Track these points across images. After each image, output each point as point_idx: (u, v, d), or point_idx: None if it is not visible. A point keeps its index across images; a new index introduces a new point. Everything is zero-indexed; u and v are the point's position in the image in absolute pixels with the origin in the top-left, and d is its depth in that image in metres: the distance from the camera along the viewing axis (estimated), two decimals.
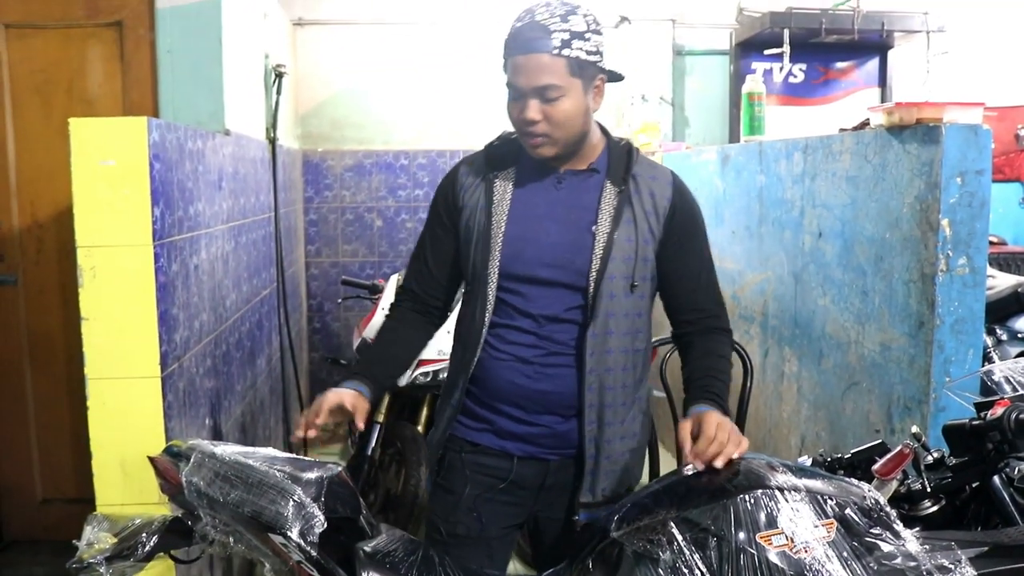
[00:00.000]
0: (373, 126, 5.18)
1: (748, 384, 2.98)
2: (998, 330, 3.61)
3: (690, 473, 1.46)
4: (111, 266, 2.08)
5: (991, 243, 5.31)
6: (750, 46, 5.08)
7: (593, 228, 1.77)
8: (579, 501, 1.83)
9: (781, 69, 5.17)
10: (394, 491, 3.29)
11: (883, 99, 5.28)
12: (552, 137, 1.73)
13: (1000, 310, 3.64)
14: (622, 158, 1.83)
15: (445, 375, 2.03)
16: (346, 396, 1.74)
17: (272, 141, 3.88)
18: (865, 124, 2.74)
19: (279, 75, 3.92)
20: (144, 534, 1.48)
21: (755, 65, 5.12)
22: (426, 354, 3.11)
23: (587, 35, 1.69)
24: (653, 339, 3.13)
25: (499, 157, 1.88)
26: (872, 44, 5.16)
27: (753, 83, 3.61)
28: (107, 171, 2.06)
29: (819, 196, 2.96)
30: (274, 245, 3.91)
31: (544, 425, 1.84)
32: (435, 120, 5.11)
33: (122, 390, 2.14)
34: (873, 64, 5.37)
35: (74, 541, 1.50)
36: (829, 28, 4.69)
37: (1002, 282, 3.78)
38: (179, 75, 2.96)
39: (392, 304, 2.03)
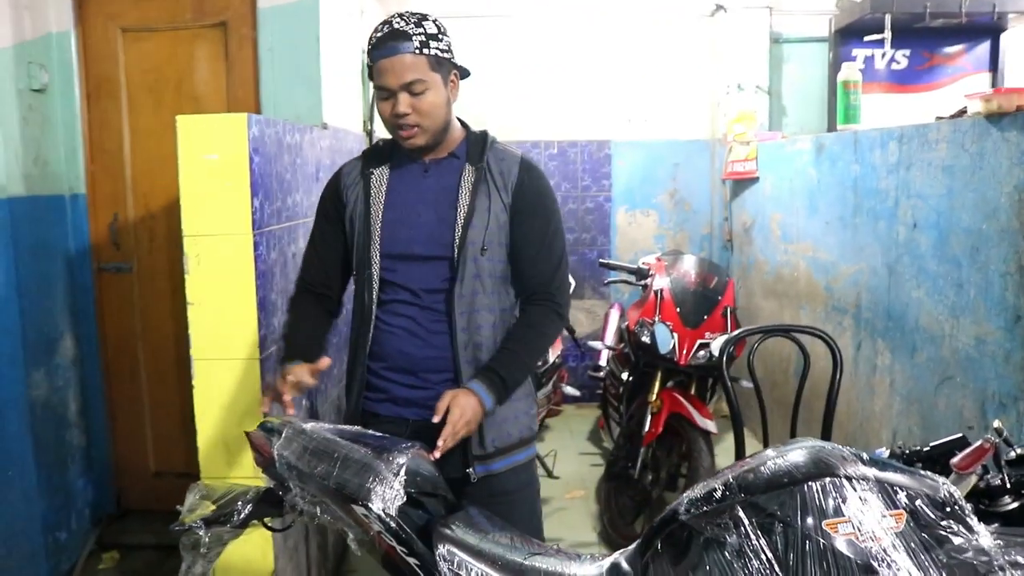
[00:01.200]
0: (466, 116, 5.23)
1: (838, 376, 2.92)
2: None
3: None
4: (214, 254, 2.22)
5: None
6: (850, 32, 4.94)
7: (456, 204, 2.01)
8: (472, 454, 2.00)
9: (883, 56, 5.01)
10: None
11: (994, 85, 5.06)
12: (422, 127, 1.95)
13: None
14: (479, 144, 2.07)
15: None
16: (300, 371, 1.91)
17: (369, 133, 4.01)
18: (963, 112, 2.67)
19: None
20: (240, 502, 1.59)
21: (855, 52, 4.99)
22: None
23: (439, 36, 1.95)
24: (742, 329, 3.13)
25: (374, 157, 2.10)
26: (982, 27, 4.95)
27: (849, 71, 3.54)
28: (210, 164, 2.20)
29: (914, 186, 2.89)
30: None
31: (432, 388, 2.00)
32: (530, 112, 5.18)
33: (224, 371, 2.28)
34: (983, 48, 5.15)
35: (177, 507, 1.62)
36: (934, 12, 4.53)
37: None
38: (279, 72, 3.10)
39: (292, 297, 2.18)
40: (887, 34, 4.49)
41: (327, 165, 3.12)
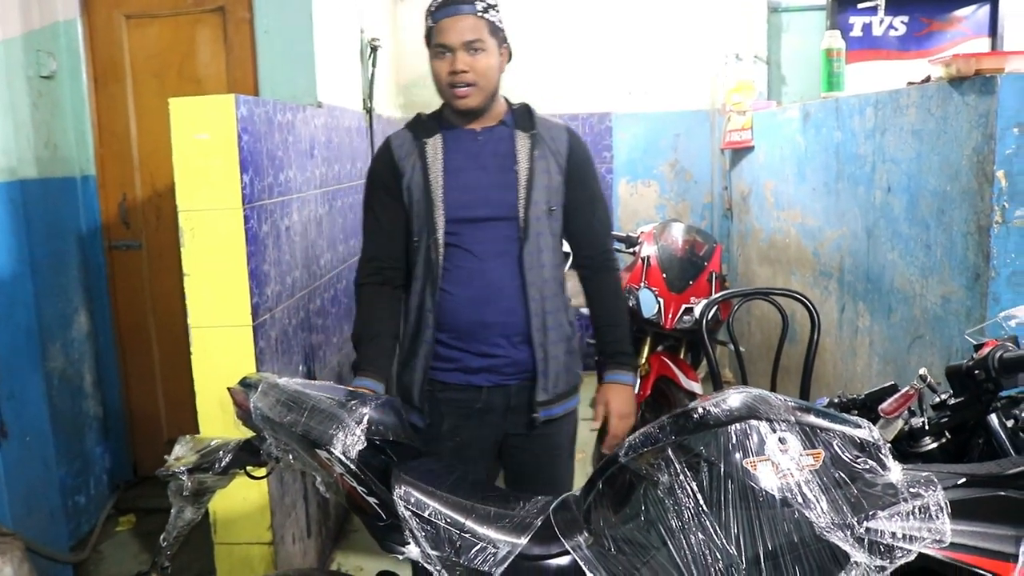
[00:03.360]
0: None
1: (815, 338, 3.02)
2: None
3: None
4: (207, 227, 2.36)
5: None
6: (846, 0, 4.98)
7: (515, 167, 2.11)
8: (536, 400, 2.15)
9: (881, 22, 5.04)
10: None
11: (993, 48, 5.07)
12: (478, 86, 2.03)
13: None
14: (524, 114, 2.18)
15: None
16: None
17: (369, 111, 4.12)
18: (929, 77, 2.73)
19: (374, 48, 4.15)
20: (221, 452, 1.74)
21: (852, 20, 5.03)
22: None
23: (497, 8, 2.08)
24: (722, 292, 3.24)
25: (423, 128, 2.17)
26: None
27: (831, 39, 3.59)
28: (202, 143, 2.33)
29: (888, 151, 2.97)
30: None
31: (503, 355, 2.13)
32: (531, 85, 5.26)
33: (219, 337, 2.43)
34: (983, 12, 5.16)
35: (165, 456, 1.77)
36: None
37: None
38: (275, 53, 3.22)
39: (359, 283, 2.24)
40: (880, 1, 4.52)
41: (322, 142, 3.25)
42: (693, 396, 3.46)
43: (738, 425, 1.48)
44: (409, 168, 2.13)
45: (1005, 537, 1.37)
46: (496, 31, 2.06)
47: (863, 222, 3.21)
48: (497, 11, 2.08)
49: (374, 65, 4.17)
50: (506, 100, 2.21)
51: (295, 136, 2.87)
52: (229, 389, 1.77)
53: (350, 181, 3.72)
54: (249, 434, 1.84)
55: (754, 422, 1.49)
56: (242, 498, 2.50)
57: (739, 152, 5.01)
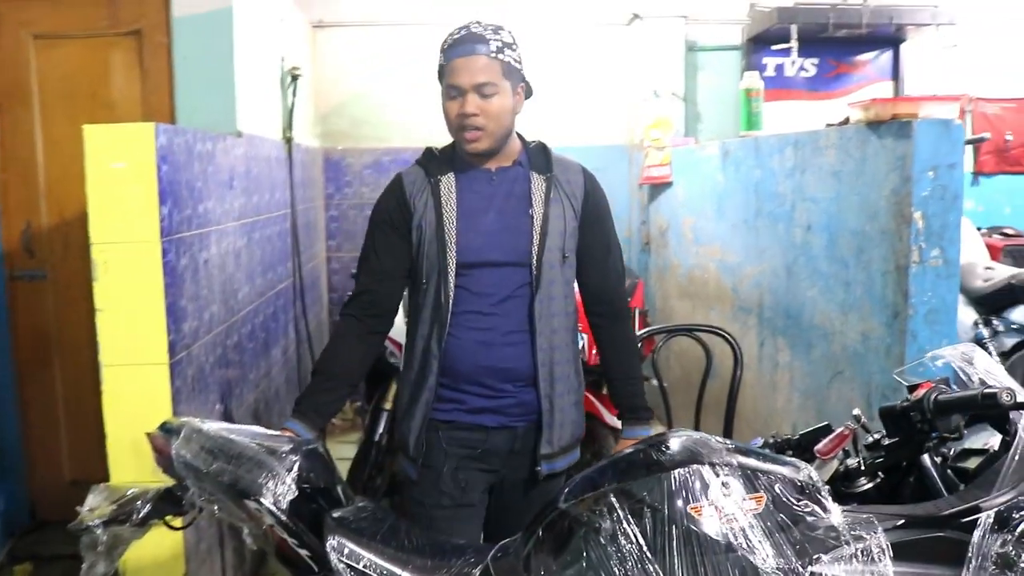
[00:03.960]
0: (392, 124, 5.34)
1: (738, 374, 3.06)
2: (994, 321, 3.66)
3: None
4: (122, 261, 2.25)
5: (1007, 235, 5.34)
6: (761, 41, 5.14)
7: (530, 211, 2.04)
8: (540, 453, 2.07)
9: (793, 64, 5.22)
10: (400, 475, 3.43)
11: (896, 92, 5.31)
12: (487, 130, 1.98)
13: (996, 301, 3.69)
14: (540, 154, 2.12)
15: None
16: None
17: (288, 140, 4.04)
18: (848, 120, 2.82)
19: (295, 77, 4.08)
20: (139, 502, 1.63)
21: (766, 60, 5.20)
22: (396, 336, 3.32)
23: (513, 47, 2.01)
24: (647, 328, 3.26)
25: (435, 165, 2.09)
26: (884, 37, 5.20)
27: (751, 79, 3.69)
28: (118, 173, 2.22)
29: (808, 190, 3.05)
30: (291, 240, 4.07)
31: (512, 397, 2.06)
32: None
33: (133, 376, 2.31)
34: (886, 57, 5.40)
35: (77, 507, 1.66)
36: (837, 23, 4.75)
37: (999, 274, 3.82)
38: (194, 80, 3.12)
39: (343, 313, 2.14)
40: (793, 43, 4.69)
41: (242, 173, 3.15)
42: (616, 431, 3.46)
43: (681, 470, 1.46)
44: (421, 206, 2.05)
45: None
46: (511, 72, 1.99)
47: (783, 259, 3.28)
48: (514, 50, 2.01)
49: (294, 94, 4.09)
50: (520, 138, 2.14)
51: (215, 166, 2.78)
52: (148, 434, 1.67)
53: (269, 212, 3.62)
54: (168, 482, 1.75)
55: (696, 466, 1.47)
56: (155, 545, 2.37)
57: (657, 187, 5.09)
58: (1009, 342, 3.53)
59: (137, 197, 2.24)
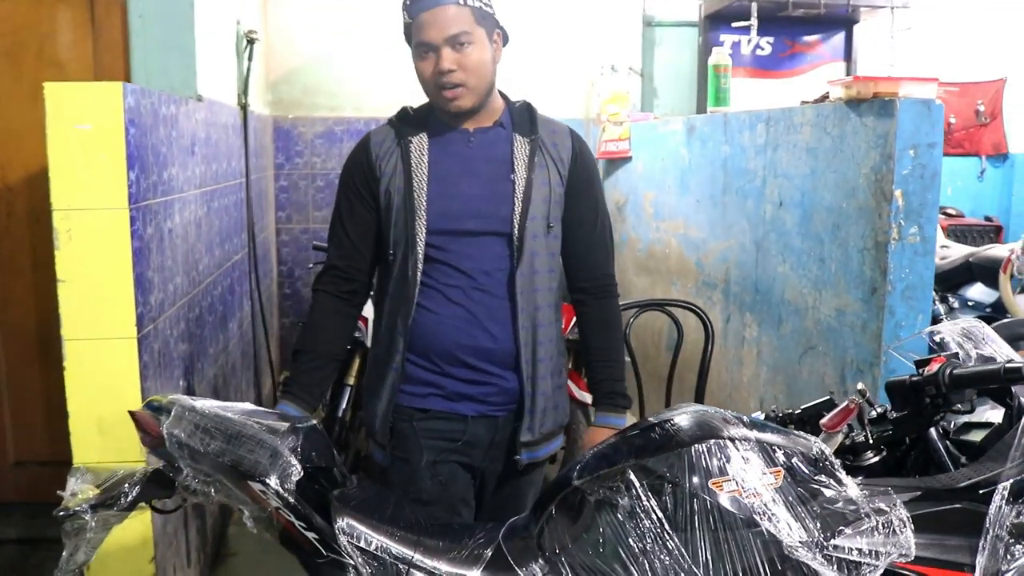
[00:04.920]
0: (344, 93, 5.20)
1: (709, 348, 3.07)
2: (950, 298, 3.74)
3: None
4: (87, 229, 2.12)
5: (950, 215, 5.48)
6: (718, 18, 5.14)
7: (512, 176, 1.89)
8: (520, 441, 1.95)
9: (749, 42, 5.24)
10: (364, 452, 3.36)
11: (848, 73, 5.37)
12: (468, 85, 1.83)
13: (953, 279, 3.77)
14: (524, 114, 1.98)
15: None
16: None
17: (244, 107, 3.89)
18: (825, 97, 2.82)
19: (251, 41, 3.92)
20: (127, 485, 1.54)
21: (723, 37, 5.19)
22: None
23: None
24: (624, 301, 3.24)
25: (408, 125, 1.95)
26: (838, 18, 5.25)
27: (719, 56, 3.68)
28: (82, 135, 2.09)
29: (780, 166, 3.05)
30: (245, 211, 3.94)
31: (493, 384, 1.93)
32: (406, 87, 5.11)
33: (99, 351, 2.18)
34: (839, 38, 5.45)
35: (58, 492, 1.55)
36: (796, 2, 4.77)
37: (955, 252, 3.91)
38: (151, 40, 2.97)
39: (316, 288, 2.04)
40: (753, 21, 4.70)
41: (202, 139, 3.02)
42: (584, 406, 3.44)
43: (701, 445, 1.44)
44: (389, 170, 1.91)
45: (961, 547, 1.40)
46: (484, 18, 1.84)
47: (752, 235, 3.29)
48: None
49: (250, 59, 3.94)
50: (503, 96, 2.00)
51: (178, 131, 2.65)
52: (133, 413, 1.57)
53: (227, 181, 3.49)
54: (143, 462, 1.66)
55: (714, 441, 1.45)
56: (122, 529, 2.25)
57: (615, 162, 5.07)
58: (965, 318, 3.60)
59: (104, 161, 2.11)
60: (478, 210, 1.89)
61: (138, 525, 2.27)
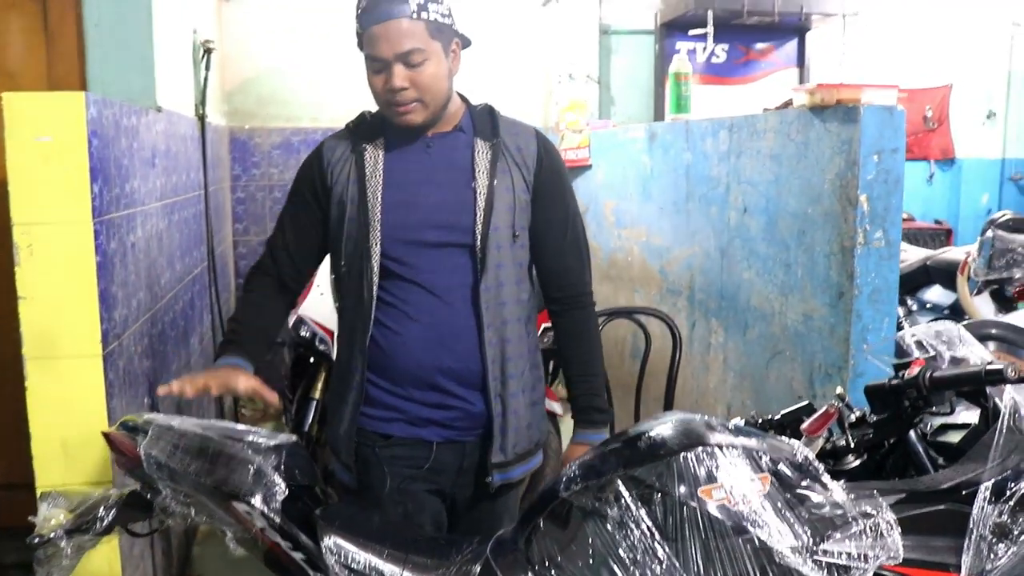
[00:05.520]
0: (301, 103, 5.15)
1: (677, 356, 3.09)
2: (909, 301, 3.81)
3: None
4: (49, 244, 2.06)
5: (903, 219, 5.59)
6: (674, 26, 5.20)
7: (472, 184, 1.80)
8: (492, 462, 1.85)
9: (704, 49, 5.30)
10: (331, 466, 3.31)
11: (801, 80, 5.47)
12: (422, 102, 1.76)
13: (911, 282, 3.85)
14: (486, 118, 1.89)
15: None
16: (239, 379, 1.73)
17: (201, 118, 3.83)
18: (788, 104, 2.86)
19: (207, 51, 3.86)
20: (102, 508, 1.49)
21: (679, 45, 5.25)
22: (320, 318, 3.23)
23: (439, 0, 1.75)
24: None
25: (364, 131, 1.88)
26: (791, 26, 5.34)
27: (680, 63, 3.71)
28: (43, 147, 2.03)
29: (744, 173, 3.08)
30: (204, 224, 3.87)
31: (458, 407, 1.84)
32: (364, 97, 5.09)
33: (63, 370, 2.12)
34: (792, 46, 5.55)
35: (30, 518, 1.50)
36: (751, 10, 4.84)
37: (912, 256, 3.99)
38: (108, 50, 2.90)
39: (247, 278, 2.00)
40: (709, 29, 4.75)
41: (162, 150, 2.96)
42: (553, 416, 3.44)
43: (689, 453, 1.44)
44: (343, 178, 1.82)
45: (946, 548, 1.42)
46: (440, 31, 1.75)
47: (716, 241, 3.31)
48: (439, 2, 1.75)
49: (207, 69, 3.87)
50: (463, 99, 1.93)
51: (139, 143, 2.59)
52: (108, 434, 1.53)
53: (186, 193, 3.42)
54: (109, 484, 1.61)
55: (702, 449, 1.45)
56: (88, 552, 2.20)
57: (574, 170, 5.07)
58: (923, 320, 3.69)
59: (66, 174, 2.05)
60: (437, 220, 1.81)
61: (105, 548, 2.20)
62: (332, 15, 5.02)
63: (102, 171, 2.16)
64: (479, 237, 1.79)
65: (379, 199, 1.79)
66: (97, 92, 2.89)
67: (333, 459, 2.01)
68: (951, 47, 5.97)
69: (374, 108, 1.93)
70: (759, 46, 5.44)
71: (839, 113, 2.52)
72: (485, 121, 1.88)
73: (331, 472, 3.34)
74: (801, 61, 5.50)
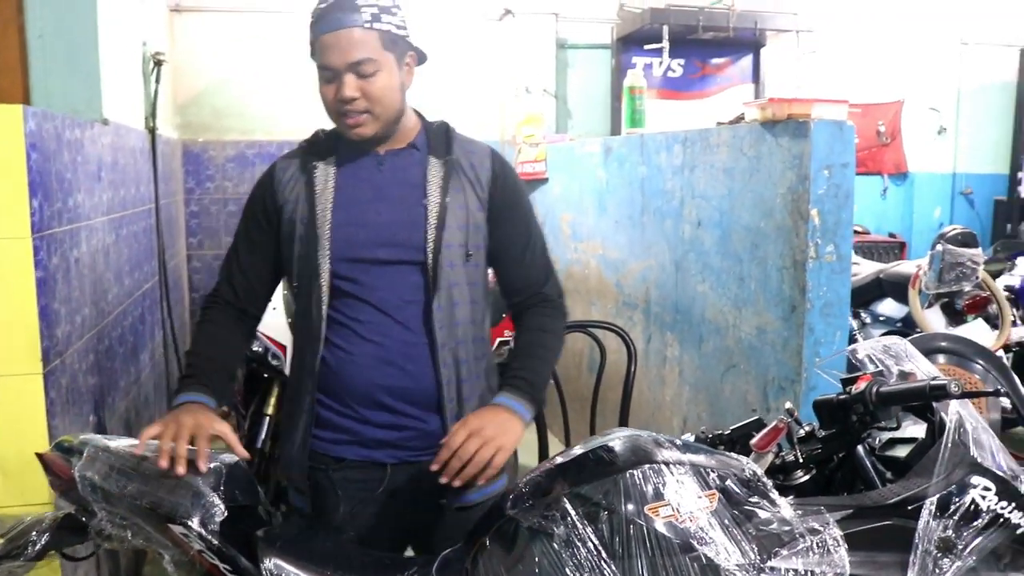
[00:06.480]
0: (255, 116, 5.09)
1: (632, 368, 3.08)
2: (862, 314, 3.86)
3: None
4: None
5: (857, 232, 5.66)
6: (630, 41, 5.23)
7: (424, 201, 1.77)
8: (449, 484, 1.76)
9: (660, 64, 5.34)
10: (285, 484, 3.26)
11: (756, 95, 5.54)
12: (373, 114, 1.73)
13: (864, 295, 3.90)
14: (441, 135, 1.86)
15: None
16: (203, 420, 1.61)
17: (152, 131, 3.76)
18: (740, 118, 2.88)
19: (158, 63, 3.80)
20: (34, 532, 1.44)
21: (635, 59, 5.29)
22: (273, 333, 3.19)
23: (394, 10, 1.73)
24: None
25: (317, 149, 1.86)
26: (746, 42, 5.40)
27: (634, 77, 3.73)
28: None
29: (698, 187, 3.10)
30: (155, 238, 3.80)
31: (412, 428, 1.80)
32: (319, 110, 5.06)
33: (1, 388, 2.06)
34: (747, 61, 5.62)
35: None
36: (706, 25, 4.89)
37: (865, 269, 4.04)
38: (52, 62, 2.83)
39: (204, 308, 1.94)
40: (665, 44, 4.79)
41: (109, 164, 2.90)
42: None
43: (636, 470, 1.43)
44: (293, 197, 1.80)
45: (892, 563, 1.42)
46: (394, 42, 1.72)
47: (671, 255, 3.33)
48: (394, 14, 1.72)
49: (157, 81, 3.81)
50: (419, 116, 1.89)
51: (83, 156, 2.53)
52: (41, 456, 1.48)
53: (135, 207, 3.36)
54: (51, 507, 1.56)
55: (649, 466, 1.45)
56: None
57: (531, 183, 5.07)
58: (876, 333, 3.73)
59: (3, 189, 2.00)
60: (389, 237, 1.77)
61: (47, 571, 2.14)
62: (287, 28, 4.97)
63: (42, 185, 2.11)
64: (430, 254, 1.76)
65: (328, 217, 1.76)
66: (41, 104, 2.83)
67: (287, 483, 1.95)
68: (903, 64, 6.08)
69: (329, 123, 1.90)
70: (715, 61, 5.50)
71: (790, 128, 2.54)
72: (440, 138, 1.86)
73: (285, 489, 3.30)
74: (756, 76, 5.57)
